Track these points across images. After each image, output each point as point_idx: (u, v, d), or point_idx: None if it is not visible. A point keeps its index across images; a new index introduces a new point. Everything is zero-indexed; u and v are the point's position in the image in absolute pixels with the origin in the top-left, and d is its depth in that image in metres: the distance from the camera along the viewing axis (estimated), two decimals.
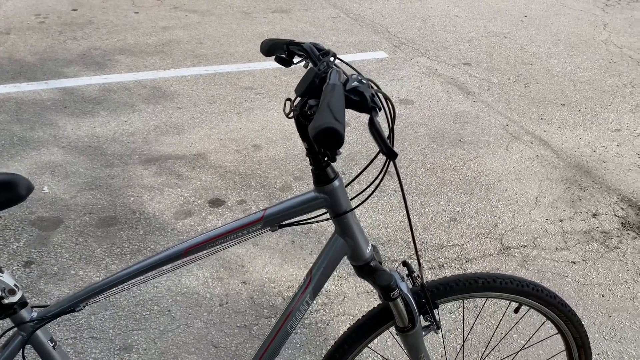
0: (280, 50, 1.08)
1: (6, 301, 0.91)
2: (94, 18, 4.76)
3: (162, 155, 2.91)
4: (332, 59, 0.90)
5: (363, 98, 0.77)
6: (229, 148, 3.02)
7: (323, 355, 1.14)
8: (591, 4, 5.82)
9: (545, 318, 1.22)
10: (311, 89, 0.88)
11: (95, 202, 2.51)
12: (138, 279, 0.97)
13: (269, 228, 1.00)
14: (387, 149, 0.70)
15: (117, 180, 2.68)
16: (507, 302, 1.17)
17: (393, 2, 5.55)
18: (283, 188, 2.70)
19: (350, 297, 2.07)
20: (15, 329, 0.95)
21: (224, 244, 0.99)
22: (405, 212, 0.94)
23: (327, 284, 2.13)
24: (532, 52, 4.51)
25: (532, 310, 1.21)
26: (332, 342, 1.86)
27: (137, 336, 1.87)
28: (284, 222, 1.01)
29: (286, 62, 1.08)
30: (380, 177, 0.94)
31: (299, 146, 3.05)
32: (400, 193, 2.64)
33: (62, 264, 2.16)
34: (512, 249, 2.36)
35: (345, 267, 2.21)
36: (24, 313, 0.94)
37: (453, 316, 1.99)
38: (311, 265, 1.07)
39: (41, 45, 4.17)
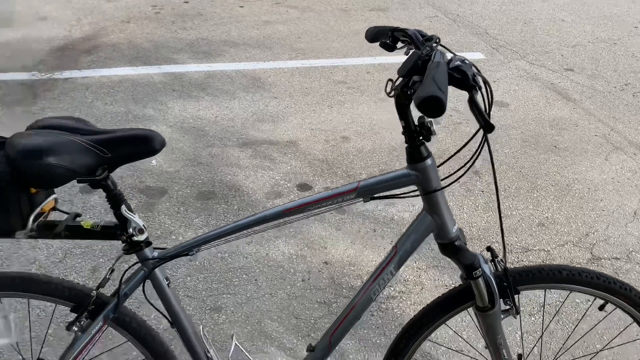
0: (385, 36, 1.16)
1: (135, 239, 1.07)
2: (203, 10, 5.10)
3: (257, 140, 3.09)
4: (435, 43, 0.96)
5: (465, 76, 0.83)
6: (318, 138, 3.14)
7: (402, 327, 1.20)
8: None
9: (632, 320, 1.20)
10: (413, 70, 0.95)
11: (197, 177, 2.74)
12: (242, 232, 1.09)
13: (362, 199, 1.09)
14: (485, 122, 0.76)
15: (217, 159, 2.90)
16: (592, 298, 1.17)
17: (494, 4, 5.42)
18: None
19: (428, 289, 2.11)
20: (139, 264, 1.11)
21: (318, 209, 1.08)
22: (496, 195, 0.98)
23: (405, 273, 2.18)
24: None
25: (617, 310, 1.19)
26: None
27: (226, 299, 2.03)
28: (376, 195, 1.09)
29: (390, 48, 1.16)
30: (475, 155, 0.99)
31: (387, 141, 3.11)
32: (502, 195, 2.62)
33: (164, 229, 2.39)
34: (603, 260, 2.26)
35: (425, 259, 2.24)
36: (148, 251, 1.10)
37: (532, 319, 1.97)
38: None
39: (156, 33, 4.56)
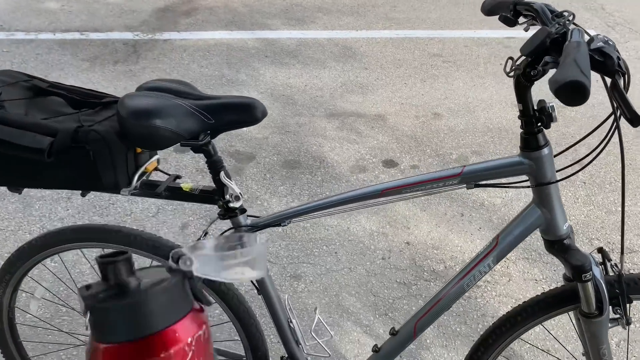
0: (506, 9, 1.06)
1: (231, 205, 1.08)
2: None
3: (345, 112, 3.05)
4: (568, 21, 0.86)
5: (609, 59, 0.73)
6: (408, 113, 3.04)
7: (494, 322, 1.14)
8: None
9: None
10: (540, 49, 0.85)
11: (284, 145, 2.76)
12: (336, 208, 1.07)
13: (465, 185, 1.02)
14: (632, 113, 0.66)
15: (304, 128, 2.90)
16: None
17: None
18: (459, 160, 2.65)
19: (515, 281, 2.00)
20: (233, 230, 1.12)
21: (418, 191, 1.03)
22: (621, 187, 0.88)
23: None
24: None
25: None
26: (490, 320, 1.83)
27: (305, 269, 2.05)
28: (481, 182, 1.01)
29: (511, 22, 1.05)
30: (602, 145, 0.88)
31: (482, 121, 2.95)
32: (603, 190, 2.41)
33: (251, 193, 2.44)
34: None
35: (515, 250, 2.11)
36: (242, 218, 1.11)
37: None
38: (499, 231, 1.06)
39: None
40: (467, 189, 1.02)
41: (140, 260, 1.91)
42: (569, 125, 2.90)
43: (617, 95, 0.68)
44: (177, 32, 3.98)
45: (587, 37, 0.78)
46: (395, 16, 4.21)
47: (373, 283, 1.99)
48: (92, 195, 2.36)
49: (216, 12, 4.31)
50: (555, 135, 2.78)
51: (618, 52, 0.77)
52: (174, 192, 1.10)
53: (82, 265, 2.00)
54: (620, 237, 0.97)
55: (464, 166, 1.01)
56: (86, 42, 3.79)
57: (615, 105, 0.70)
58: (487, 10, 1.11)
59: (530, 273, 2.03)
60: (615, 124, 0.85)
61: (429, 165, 2.62)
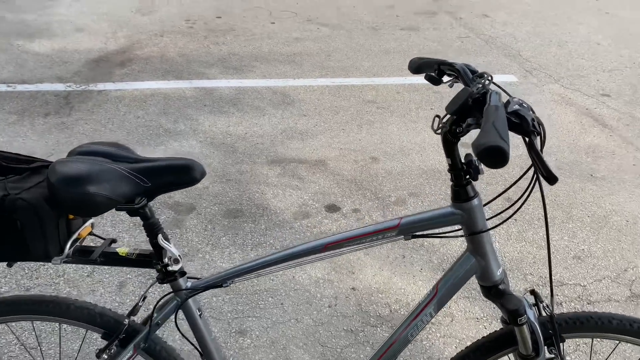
0: (431, 69, 1.13)
1: (170, 268, 1.05)
2: (235, 26, 5.16)
3: (286, 158, 3.08)
4: (487, 81, 0.93)
5: (524, 121, 0.79)
6: (348, 157, 3.11)
7: None
8: None
9: None
10: (463, 109, 0.91)
11: (225, 194, 2.73)
12: (279, 266, 1.07)
13: (403, 236, 1.05)
14: (548, 173, 0.72)
15: (245, 176, 2.89)
16: None
17: (527, 26, 5.35)
18: (397, 202, 2.73)
19: (458, 321, 2.04)
20: (173, 294, 1.09)
21: (359, 245, 1.05)
22: (546, 237, 0.94)
23: None
24: None
25: None
26: None
27: (251, 323, 2.00)
28: (417, 233, 1.05)
29: (435, 81, 1.12)
30: (523, 199, 0.95)
31: (416, 163, 3.07)
32: (531, 226, 2.54)
33: (191, 246, 2.38)
34: None
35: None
36: (182, 281, 1.08)
37: (572, 356, 1.89)
38: (428, 287, 1.10)
39: (188, 47, 4.62)
40: (405, 240, 1.06)
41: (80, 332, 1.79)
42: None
43: (534, 154, 0.74)
44: (112, 82, 3.91)
45: (505, 98, 0.85)
46: (330, 64, 4.36)
47: (321, 333, 1.97)
48: None
49: (152, 62, 4.29)
50: (489, 176, 2.93)
51: (533, 112, 0.84)
52: (110, 258, 1.07)
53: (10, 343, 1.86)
54: (549, 284, 1.03)
55: (401, 218, 1.04)
56: (13, 95, 3.65)
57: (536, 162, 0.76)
58: (414, 69, 1.18)
59: (472, 312, 2.08)
60: (535, 175, 0.92)
61: (369, 208, 2.67)
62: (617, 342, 1.12)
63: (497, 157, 0.69)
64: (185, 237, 2.44)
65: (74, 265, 2.22)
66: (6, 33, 4.70)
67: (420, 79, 4.08)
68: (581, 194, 2.82)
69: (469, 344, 1.93)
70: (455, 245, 2.41)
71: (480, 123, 0.77)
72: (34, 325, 1.88)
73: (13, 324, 1.19)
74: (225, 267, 2.27)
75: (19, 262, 2.20)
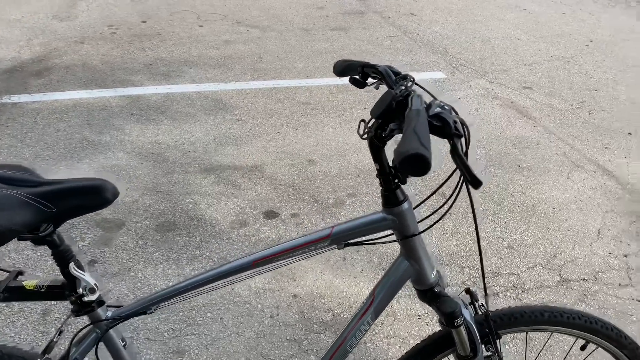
0: (355, 71, 1.10)
1: (86, 299, 0.96)
2: (161, 30, 4.98)
3: (220, 165, 2.99)
4: (409, 83, 0.91)
5: (446, 124, 0.78)
6: (284, 161, 3.07)
7: None
8: None
9: (613, 359, 1.17)
10: (387, 112, 0.89)
11: (156, 207, 2.61)
12: (207, 287, 1.00)
13: (336, 246, 1.02)
14: (472, 177, 0.70)
15: (177, 187, 2.78)
16: (574, 338, 1.13)
17: (452, 23, 5.52)
18: (336, 204, 2.71)
19: (400, 319, 2.05)
20: (91, 326, 1.00)
21: (290, 259, 1.01)
22: (476, 237, 0.93)
23: None
24: (598, 78, 4.36)
25: (600, 350, 1.16)
26: None
27: (189, 341, 1.91)
28: (350, 241, 1.02)
29: (360, 84, 1.10)
30: (451, 201, 0.94)
31: (353, 163, 3.07)
32: (466, 219, 2.60)
33: (122, 264, 2.25)
34: (572, 282, 2.27)
35: None
36: (101, 311, 0.99)
37: (506, 347, 1.94)
38: (370, 288, 1.07)
39: (112, 54, 4.40)
40: (338, 249, 1.02)
41: None
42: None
43: (457, 158, 0.73)
44: (29, 94, 3.65)
45: (426, 102, 0.83)
46: (263, 67, 4.30)
47: (263, 345, 1.91)
48: None
49: (73, 70, 4.05)
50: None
51: (456, 114, 0.83)
52: (15, 293, 0.96)
53: None
54: (482, 283, 1.03)
55: (333, 227, 1.01)
56: None
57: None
58: (339, 72, 1.15)
59: (413, 309, 2.10)
60: (461, 178, 0.91)
61: (308, 212, 2.64)
62: (550, 333, 1.14)
63: (418, 165, 0.67)
64: (115, 255, 2.30)
65: None
66: None
67: None
68: (510, 184, 2.93)
69: (412, 342, 1.95)
70: (394, 244, 2.41)
71: (403, 128, 0.74)
72: None
73: None
74: (159, 284, 2.16)
75: None
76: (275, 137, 3.32)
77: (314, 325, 2.00)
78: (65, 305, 2.02)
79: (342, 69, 1.14)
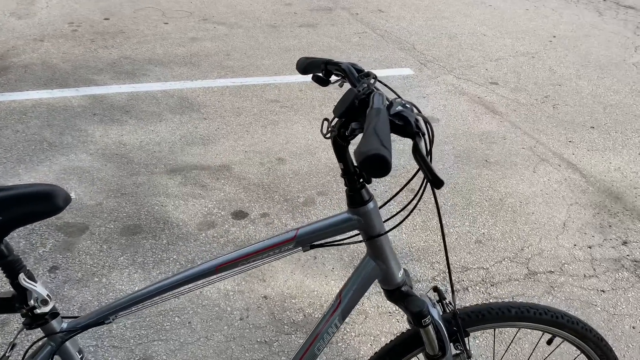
0: (318, 69, 1.08)
1: (38, 311, 0.91)
2: (125, 28, 4.85)
3: (187, 165, 2.93)
4: (372, 81, 0.89)
5: (407, 123, 0.76)
6: (253, 160, 3.03)
7: None
8: (622, 26, 5.73)
9: (579, 351, 1.18)
10: (350, 111, 0.87)
11: (121, 210, 2.54)
12: (168, 294, 0.97)
13: (301, 248, 0.99)
14: (433, 177, 0.69)
15: (143, 188, 2.71)
16: (541, 332, 1.13)
17: (420, 20, 5.55)
18: (306, 203, 2.69)
19: (371, 317, 2.04)
20: (45, 339, 0.95)
21: (255, 262, 0.98)
22: (441, 237, 0.92)
23: None
24: (561, 73, 4.45)
25: (566, 343, 1.17)
26: None
27: (157, 347, 1.86)
28: (316, 243, 1.00)
29: (323, 82, 1.08)
30: (416, 201, 0.93)
31: (323, 161, 3.05)
32: (436, 215, 2.61)
33: (86, 270, 2.18)
34: (539, 275, 2.30)
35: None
36: (55, 323, 0.95)
37: (477, 341, 1.95)
38: (340, 286, 1.05)
39: (73, 52, 4.27)
40: (304, 251, 1.00)
41: None
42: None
43: (419, 157, 0.71)
44: None
45: (387, 101, 0.81)
46: (230, 64, 4.23)
47: (233, 349, 1.87)
48: None
49: (32, 69, 3.91)
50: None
51: (419, 112, 0.81)
52: None
53: None
54: (449, 280, 1.02)
55: (297, 229, 0.99)
56: None
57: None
58: (302, 70, 1.13)
59: (384, 306, 2.09)
60: (424, 180, 0.90)
61: (278, 212, 2.61)
62: (518, 328, 1.14)
63: (378, 166, 0.65)
64: (79, 260, 2.23)
65: None
66: None
67: None
68: (478, 179, 2.96)
69: (383, 339, 1.94)
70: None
71: (364, 127, 0.72)
72: None
73: None
74: (124, 289, 2.10)
75: None
76: (243, 135, 3.27)
77: (285, 327, 1.98)
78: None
79: (305, 66, 1.12)
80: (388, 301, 2.09)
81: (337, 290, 2.14)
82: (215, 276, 0.97)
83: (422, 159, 0.71)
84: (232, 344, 1.89)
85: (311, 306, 2.08)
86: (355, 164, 0.95)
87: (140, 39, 4.63)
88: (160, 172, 2.85)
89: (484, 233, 2.54)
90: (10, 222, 0.85)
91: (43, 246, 2.29)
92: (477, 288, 2.21)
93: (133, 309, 0.97)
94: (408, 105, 0.79)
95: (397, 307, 2.06)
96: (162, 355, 1.84)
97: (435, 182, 0.69)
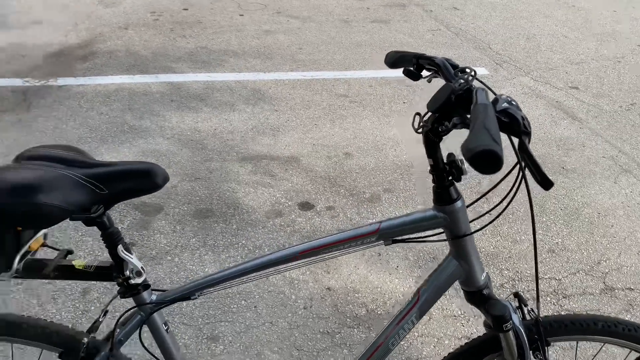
0: (409, 63, 1.07)
1: (132, 282, 0.97)
2: (202, 18, 5.02)
3: (257, 155, 3.00)
4: (470, 77, 0.87)
5: (514, 120, 0.74)
6: (320, 153, 3.05)
7: None
8: None
9: None
10: (445, 106, 0.86)
11: (194, 193, 2.63)
12: (251, 275, 1.00)
13: (383, 242, 0.99)
14: (542, 177, 0.67)
15: (215, 174, 2.80)
16: (627, 351, 1.07)
17: (497, 19, 5.37)
18: (372, 199, 2.68)
19: (436, 319, 2.01)
20: (136, 308, 1.01)
21: (336, 252, 0.99)
22: (533, 242, 0.89)
23: None
24: None
25: None
26: None
27: (223, 328, 1.93)
28: (398, 238, 0.99)
29: (414, 76, 1.07)
30: (508, 200, 0.90)
31: (390, 158, 3.03)
32: (507, 221, 2.53)
33: (160, 248, 2.28)
34: (617, 290, 2.18)
35: None
36: (146, 295, 1.00)
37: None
38: (405, 285, 1.05)
39: (154, 41, 4.46)
40: (385, 245, 1.00)
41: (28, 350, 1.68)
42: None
43: (526, 157, 0.69)
44: (74, 77, 3.74)
45: (492, 97, 0.79)
46: (302, 58, 4.28)
47: (296, 336, 1.91)
48: None
49: (116, 55, 4.12)
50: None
51: (521, 111, 0.79)
52: (65, 271, 0.98)
53: None
54: (535, 287, 0.99)
55: (380, 222, 0.99)
56: None
57: (522, 162, 0.71)
58: (391, 64, 1.12)
59: (449, 309, 2.05)
60: (520, 177, 0.87)
61: (344, 206, 2.62)
62: (602, 344, 1.09)
63: (490, 162, 0.63)
64: (153, 239, 2.33)
65: None
66: None
67: (392, 72, 4.03)
68: (554, 187, 2.83)
69: (447, 342, 1.91)
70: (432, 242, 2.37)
71: (467, 122, 0.71)
72: None
73: None
74: (195, 270, 2.18)
75: None
76: (312, 128, 3.30)
77: (347, 320, 1.99)
78: (105, 286, 2.06)
79: (395, 60, 1.11)
80: (453, 305, 2.06)
81: (402, 289, 2.13)
82: (297, 262, 0.99)
83: (531, 159, 0.69)
84: (296, 332, 1.92)
85: (374, 302, 2.07)
86: (445, 161, 0.94)
87: (216, 29, 4.77)
88: (232, 160, 2.93)
89: (557, 242, 2.43)
90: (114, 196, 0.91)
91: (121, 223, 2.41)
92: (548, 299, 2.13)
93: (218, 287, 1.00)
94: (514, 103, 0.77)
95: (462, 311, 2.02)
96: (228, 336, 1.90)
97: (545, 183, 0.66)
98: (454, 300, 2.09)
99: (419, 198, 2.70)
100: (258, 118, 3.38)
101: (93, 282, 2.07)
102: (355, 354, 1.85)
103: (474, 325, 1.98)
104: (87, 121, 3.21)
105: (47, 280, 2.07)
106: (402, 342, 1.90)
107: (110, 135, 3.08)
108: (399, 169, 2.93)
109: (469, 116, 0.79)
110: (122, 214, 2.46)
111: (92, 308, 1.97)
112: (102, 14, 4.92)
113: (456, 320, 2.01)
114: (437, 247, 2.35)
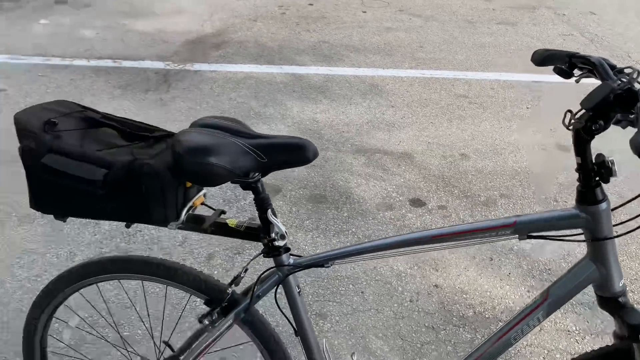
0: (561, 61, 1.06)
1: (276, 243, 1.07)
2: (326, 13, 5.18)
3: (371, 148, 3.06)
4: (636, 75, 0.86)
5: None
6: (435, 152, 3.04)
7: None
8: None
9: None
10: (602, 105, 0.85)
11: (310, 179, 2.76)
12: (382, 253, 1.05)
13: (518, 236, 1.00)
14: None
15: (330, 163, 2.91)
16: None
17: (638, 25, 4.94)
18: (487, 203, 2.63)
19: (547, 331, 1.94)
20: (275, 269, 1.11)
21: (469, 240, 1.01)
22: None
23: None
24: None
25: None
26: None
27: (331, 307, 2.02)
28: (534, 233, 0.99)
29: (566, 74, 1.05)
30: None
31: (509, 163, 2.93)
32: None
33: None
34: None
35: None
36: (285, 257, 1.10)
37: None
38: (516, 293, 1.04)
39: (280, 33, 4.69)
40: (520, 239, 1.01)
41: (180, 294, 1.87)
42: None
43: None
44: (208, 63, 4.06)
45: None
46: (422, 56, 4.27)
47: (401, 326, 1.94)
48: None
49: (245, 46, 4.40)
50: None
51: None
52: (220, 228, 1.10)
53: (119, 295, 1.99)
54: None
55: (517, 216, 1.00)
56: (119, 70, 3.89)
57: None
58: (540, 61, 1.11)
59: (563, 324, 1.97)
60: None
61: (457, 207, 2.59)
62: None
63: None
64: None
65: (167, 233, 2.34)
66: (114, 13, 5.01)
67: (517, 75, 3.89)
68: None
69: (558, 356, 1.84)
70: (549, 252, 2.28)
71: (633, 120, 0.70)
72: (123, 285, 1.99)
73: (123, 281, 1.27)
74: (307, 249, 2.30)
75: (118, 223, 2.36)
76: (428, 126, 3.29)
77: (454, 318, 1.98)
78: (227, 254, 2.24)
79: (544, 57, 1.10)
80: (567, 319, 1.97)
81: (513, 296, 2.08)
82: (429, 245, 1.03)
83: None
84: (401, 322, 1.96)
85: (482, 305, 2.05)
86: (594, 161, 0.92)
87: (339, 25, 4.90)
88: (347, 151, 3.03)
89: None
90: (271, 165, 1.01)
91: (244, 199, 2.60)
92: None
93: (349, 259, 1.08)
94: None
95: (577, 327, 1.94)
96: (335, 315, 1.98)
97: None
98: (569, 315, 2.00)
99: (537, 207, 2.60)
100: (374, 113, 3.44)
101: (217, 249, 2.26)
102: (463, 352, 1.84)
103: (589, 343, 1.88)
104: (217, 105, 3.48)
105: (178, 243, 2.30)
106: (510, 349, 1.86)
107: (241, 119, 3.32)
108: (517, 175, 2.84)
109: (631, 116, 0.78)
110: (245, 192, 2.65)
111: (215, 272, 2.15)
112: (235, 6, 5.27)
113: (570, 335, 1.93)
114: (553, 259, 2.26)
